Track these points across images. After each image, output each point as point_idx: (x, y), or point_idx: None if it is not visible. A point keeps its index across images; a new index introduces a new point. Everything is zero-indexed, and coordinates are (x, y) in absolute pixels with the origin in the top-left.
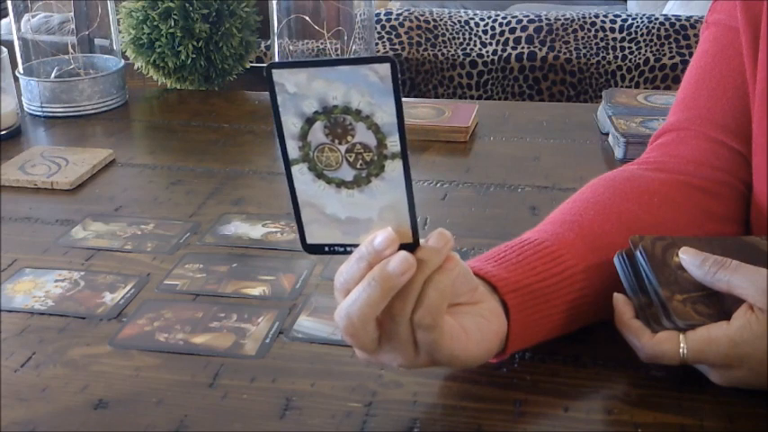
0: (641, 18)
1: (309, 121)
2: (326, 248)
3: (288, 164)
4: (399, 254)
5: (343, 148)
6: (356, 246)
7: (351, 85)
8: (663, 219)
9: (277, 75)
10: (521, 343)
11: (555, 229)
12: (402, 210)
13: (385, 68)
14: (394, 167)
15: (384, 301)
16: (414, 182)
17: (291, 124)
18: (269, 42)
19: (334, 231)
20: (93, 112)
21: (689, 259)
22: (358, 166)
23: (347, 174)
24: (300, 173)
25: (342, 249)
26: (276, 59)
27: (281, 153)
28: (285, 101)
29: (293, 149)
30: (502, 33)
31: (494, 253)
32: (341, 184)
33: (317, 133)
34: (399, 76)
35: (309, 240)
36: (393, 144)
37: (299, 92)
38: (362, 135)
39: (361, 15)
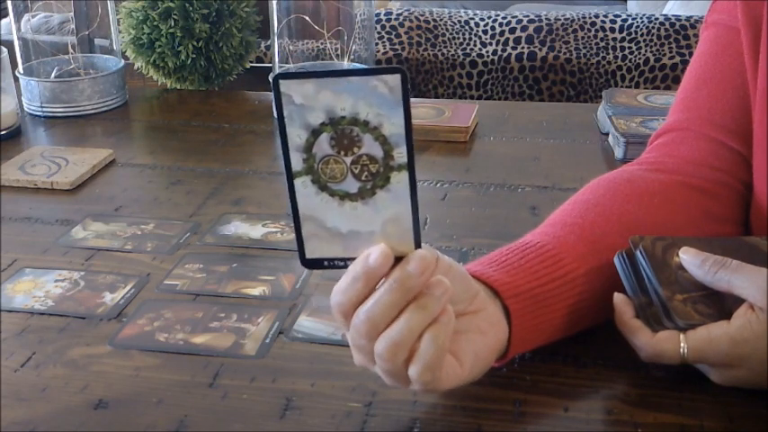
0: (641, 18)
1: (315, 133)
2: (326, 263)
3: (291, 176)
4: (417, 253)
5: (348, 159)
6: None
7: (359, 97)
8: (663, 220)
9: (284, 86)
10: (522, 347)
11: (556, 232)
12: (405, 223)
13: (395, 79)
14: (400, 179)
15: (404, 303)
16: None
17: (296, 136)
18: (269, 42)
19: (334, 246)
20: (93, 112)
21: (689, 259)
22: (363, 178)
23: (352, 186)
24: (303, 185)
25: (342, 264)
26: (276, 59)
27: (284, 165)
28: (291, 112)
29: (297, 162)
30: (502, 33)
31: (495, 256)
32: (345, 196)
33: (323, 145)
34: (409, 87)
35: (309, 255)
36: (400, 155)
37: (306, 103)
38: (369, 146)
39: (361, 15)
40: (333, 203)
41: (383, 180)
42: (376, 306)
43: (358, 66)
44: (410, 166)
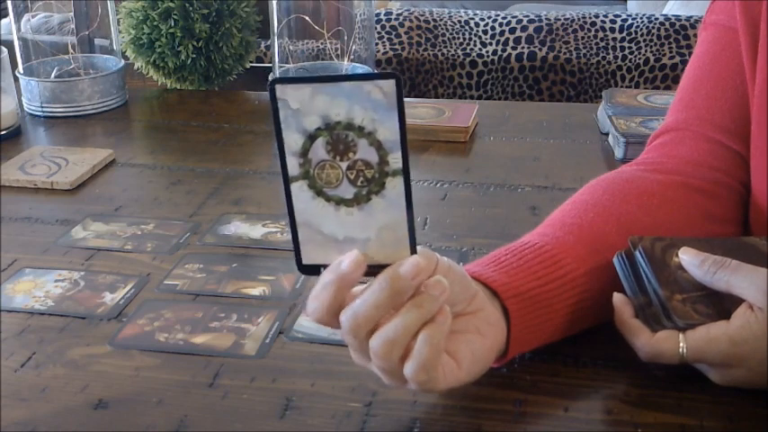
0: (641, 18)
1: (311, 138)
2: (322, 269)
3: (287, 181)
4: (412, 258)
5: (344, 165)
6: None
7: (354, 102)
8: (662, 220)
9: (280, 90)
10: (521, 348)
11: (555, 233)
12: (401, 230)
13: (390, 85)
14: (395, 185)
15: (391, 304)
16: (414, 182)
17: (293, 141)
18: (269, 42)
19: (330, 252)
20: (93, 112)
21: (689, 259)
22: (358, 184)
23: (347, 191)
24: (300, 190)
25: None
26: (276, 59)
27: (281, 170)
28: (287, 117)
29: (293, 167)
30: (502, 33)
31: (493, 257)
32: (340, 202)
33: (319, 150)
34: (403, 93)
35: (305, 261)
36: (395, 161)
37: (302, 108)
38: (364, 152)
39: (361, 15)
40: (329, 209)
41: (378, 186)
42: (362, 306)
43: (358, 66)
44: (405, 172)
